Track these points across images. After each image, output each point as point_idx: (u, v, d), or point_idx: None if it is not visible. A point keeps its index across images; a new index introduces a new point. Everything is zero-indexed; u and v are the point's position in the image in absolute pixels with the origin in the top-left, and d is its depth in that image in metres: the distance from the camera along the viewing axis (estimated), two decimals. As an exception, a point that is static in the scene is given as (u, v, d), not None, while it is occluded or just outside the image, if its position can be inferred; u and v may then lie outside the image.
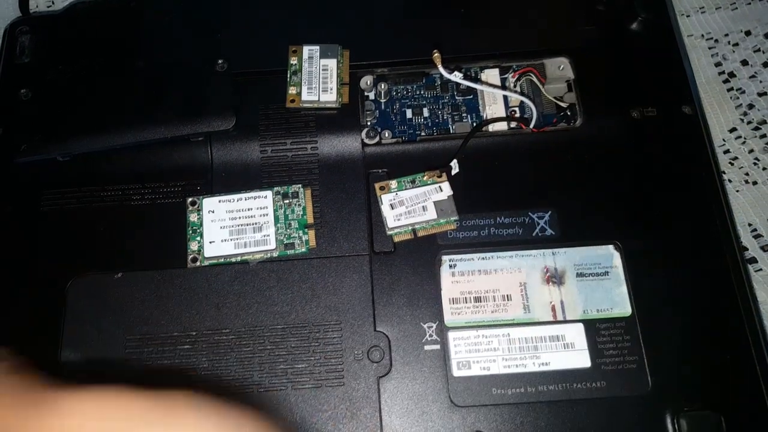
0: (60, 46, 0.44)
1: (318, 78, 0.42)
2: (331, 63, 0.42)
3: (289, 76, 0.42)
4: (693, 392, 0.35)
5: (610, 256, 0.38)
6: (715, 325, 0.37)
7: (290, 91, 0.42)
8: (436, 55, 0.41)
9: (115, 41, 0.44)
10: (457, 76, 0.41)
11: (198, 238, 0.38)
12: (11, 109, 0.42)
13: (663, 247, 0.38)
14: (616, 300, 0.37)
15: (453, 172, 0.39)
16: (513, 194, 0.39)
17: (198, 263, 0.38)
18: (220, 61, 0.42)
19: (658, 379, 0.35)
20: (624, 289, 0.37)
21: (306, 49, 0.42)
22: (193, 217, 0.39)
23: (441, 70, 0.41)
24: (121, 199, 0.40)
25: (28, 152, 0.40)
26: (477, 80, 0.43)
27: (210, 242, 0.38)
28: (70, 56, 0.44)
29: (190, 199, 0.39)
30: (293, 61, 0.42)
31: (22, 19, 0.46)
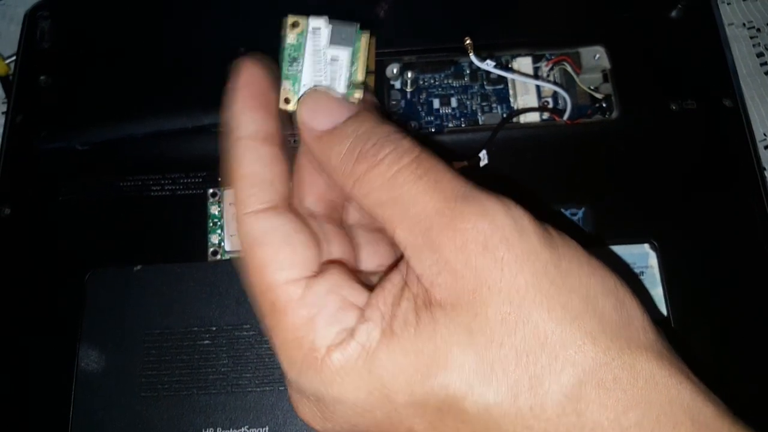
0: (80, 32, 0.43)
1: (325, 71, 0.25)
2: (343, 54, 0.25)
3: (283, 60, 0.25)
4: (730, 401, 0.34)
5: (645, 255, 0.36)
6: (756, 330, 0.35)
7: (284, 87, 0.25)
8: (468, 42, 0.39)
9: (136, 28, 0.43)
10: (489, 65, 0.39)
11: (219, 231, 0.37)
12: (31, 95, 0.41)
13: (701, 246, 0.37)
14: (651, 302, 0.35)
15: (482, 164, 0.38)
16: (545, 189, 0.38)
17: (219, 257, 0.37)
18: (242, 49, 0.41)
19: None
20: (659, 290, 0.36)
21: (311, 23, 0.25)
22: (214, 209, 0.38)
23: (473, 58, 0.39)
24: (140, 190, 0.39)
25: (48, 140, 0.40)
26: (509, 69, 0.41)
27: (231, 235, 0.37)
28: (91, 42, 0.43)
29: (211, 191, 0.38)
30: (291, 39, 0.25)
31: (42, 3, 0.45)
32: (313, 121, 0.23)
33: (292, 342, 0.21)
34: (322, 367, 0.20)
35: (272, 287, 0.21)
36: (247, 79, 0.23)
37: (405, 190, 0.21)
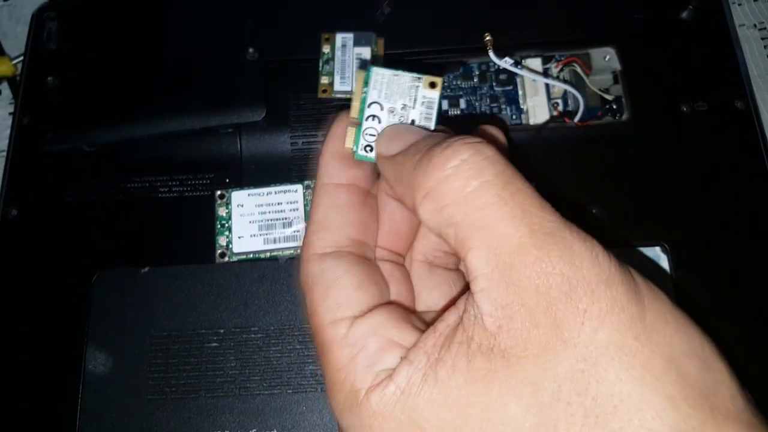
0: (87, 33, 0.43)
1: (351, 67, 0.40)
2: (365, 51, 0.40)
3: (321, 65, 0.40)
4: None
5: (656, 258, 0.36)
6: (769, 334, 0.35)
7: (322, 81, 0.40)
8: (488, 38, 0.38)
9: (143, 28, 0.43)
10: (507, 62, 0.38)
11: (226, 233, 0.37)
12: (38, 96, 0.41)
13: (712, 249, 0.36)
14: (663, 305, 0.35)
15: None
16: (554, 191, 0.37)
17: (226, 258, 0.37)
18: (250, 50, 0.41)
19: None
20: (670, 293, 0.35)
21: (339, 37, 0.41)
22: (221, 211, 0.38)
23: (492, 55, 0.38)
24: (148, 191, 0.39)
25: (55, 141, 0.40)
26: (529, 69, 0.41)
27: (239, 237, 0.37)
28: (98, 43, 0.42)
29: (218, 192, 0.38)
30: (325, 49, 0.41)
31: (48, 4, 0.45)
32: (389, 148, 0.22)
33: (337, 382, 0.20)
34: (361, 409, 0.19)
35: (322, 327, 0.21)
36: (339, 130, 0.23)
37: (486, 213, 0.18)
